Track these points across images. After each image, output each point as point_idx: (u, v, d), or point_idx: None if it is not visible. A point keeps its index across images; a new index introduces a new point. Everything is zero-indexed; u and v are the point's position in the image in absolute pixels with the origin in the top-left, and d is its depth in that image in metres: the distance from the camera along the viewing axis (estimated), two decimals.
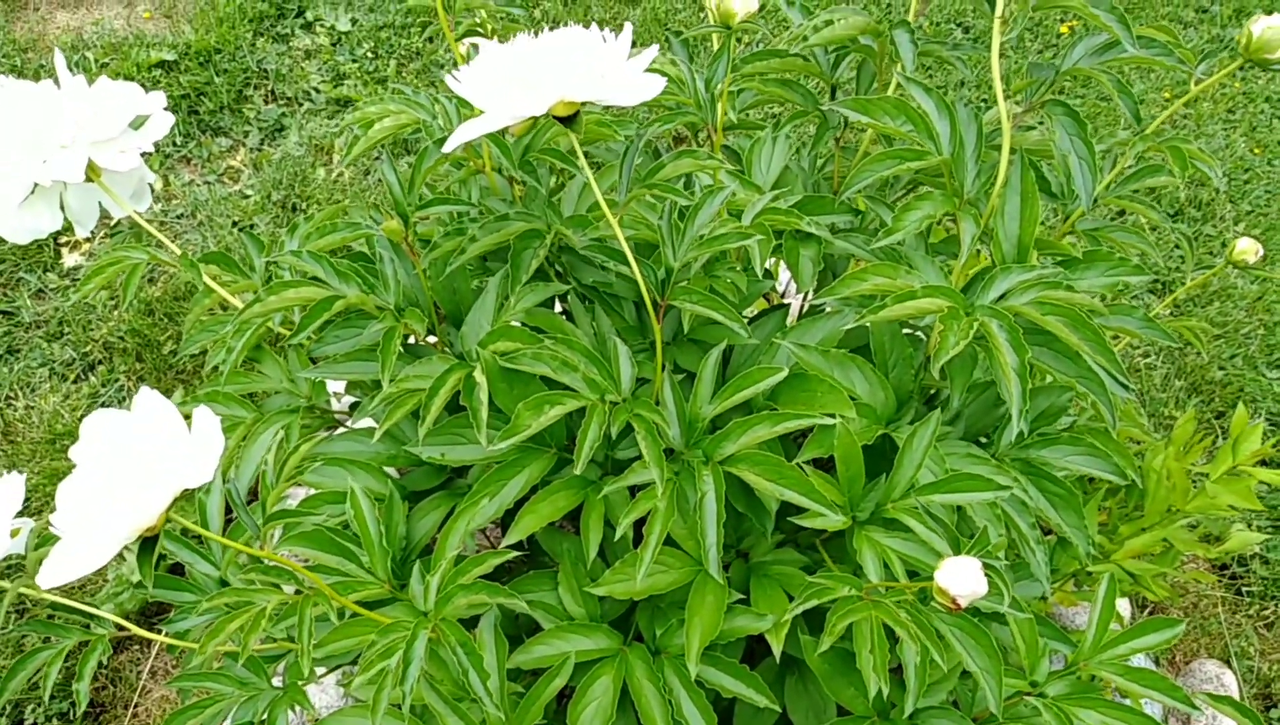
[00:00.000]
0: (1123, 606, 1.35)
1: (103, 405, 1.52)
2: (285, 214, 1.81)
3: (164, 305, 1.63)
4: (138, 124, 0.89)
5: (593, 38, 0.65)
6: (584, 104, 0.67)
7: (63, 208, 0.89)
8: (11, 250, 1.72)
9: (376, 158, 1.92)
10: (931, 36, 0.84)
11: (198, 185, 1.87)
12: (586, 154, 0.98)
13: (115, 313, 1.62)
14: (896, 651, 0.74)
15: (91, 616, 0.80)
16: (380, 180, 1.85)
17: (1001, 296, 0.76)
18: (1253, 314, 1.67)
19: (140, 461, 0.57)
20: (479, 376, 0.75)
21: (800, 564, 0.83)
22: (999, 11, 0.76)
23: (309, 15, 2.16)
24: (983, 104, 1.90)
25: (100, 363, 1.57)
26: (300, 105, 2.01)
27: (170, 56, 2.02)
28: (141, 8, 2.16)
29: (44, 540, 0.75)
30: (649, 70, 0.68)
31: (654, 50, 0.68)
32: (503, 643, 0.74)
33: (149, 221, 1.77)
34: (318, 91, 2.03)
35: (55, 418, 1.48)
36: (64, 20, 2.14)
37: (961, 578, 0.56)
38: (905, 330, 0.93)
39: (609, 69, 0.65)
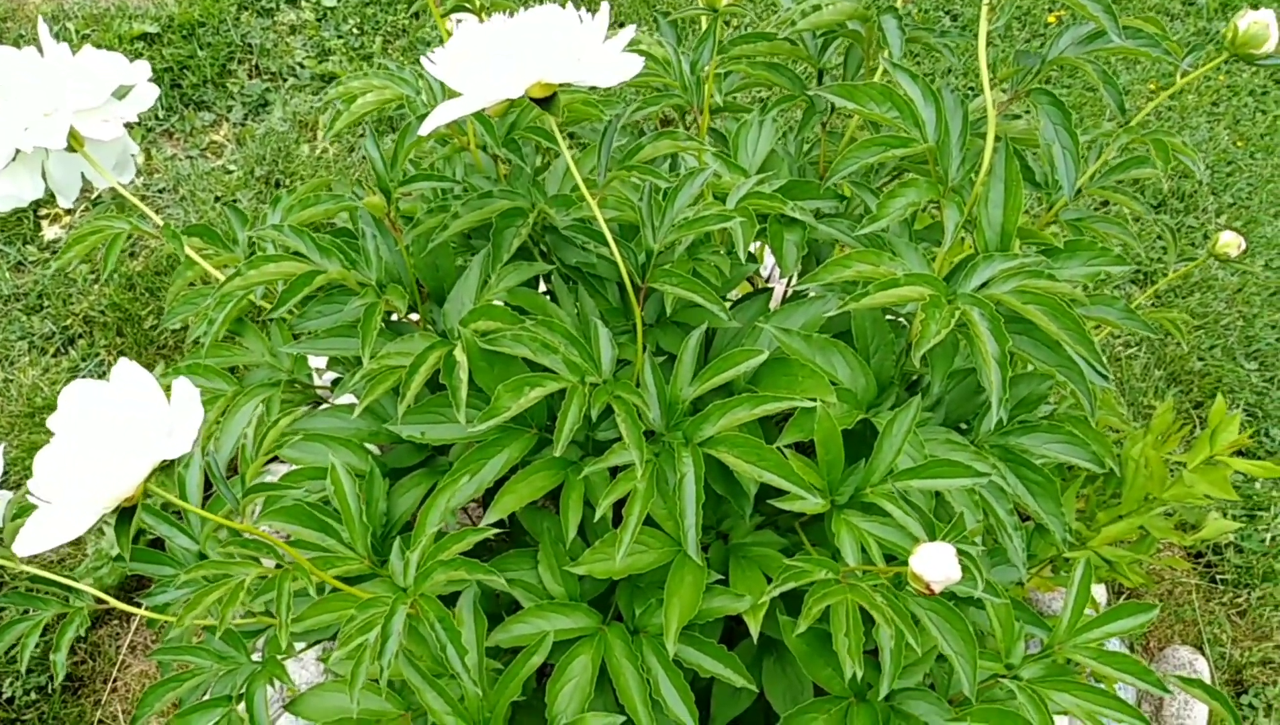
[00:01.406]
0: (1099, 592, 1.36)
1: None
2: (269, 190, 1.79)
3: (145, 279, 1.61)
4: (122, 94, 0.88)
5: (569, 17, 0.64)
6: (562, 85, 0.66)
7: (45, 177, 0.88)
8: None
9: (361, 134, 1.90)
10: (919, 23, 0.84)
11: (180, 159, 1.85)
12: (572, 134, 0.98)
13: (96, 286, 1.61)
14: (873, 634, 0.74)
15: (70, 589, 0.79)
16: (365, 157, 1.83)
17: (983, 285, 0.76)
18: (1232, 306, 1.68)
19: (118, 432, 0.57)
20: (459, 355, 0.75)
21: (779, 546, 0.84)
22: None
23: None
24: (970, 92, 1.90)
25: (80, 336, 1.56)
26: (285, 81, 1.99)
27: (153, 29, 2.00)
28: None
29: (22, 512, 0.75)
30: (630, 50, 0.68)
31: (632, 30, 0.67)
32: (481, 620, 0.74)
33: (131, 194, 1.75)
34: (302, 67, 2.01)
35: (34, 391, 1.47)
36: None
37: (935, 564, 0.57)
38: (888, 316, 0.94)
39: (586, 49, 0.65)
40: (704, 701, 0.89)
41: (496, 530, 0.73)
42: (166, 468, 0.59)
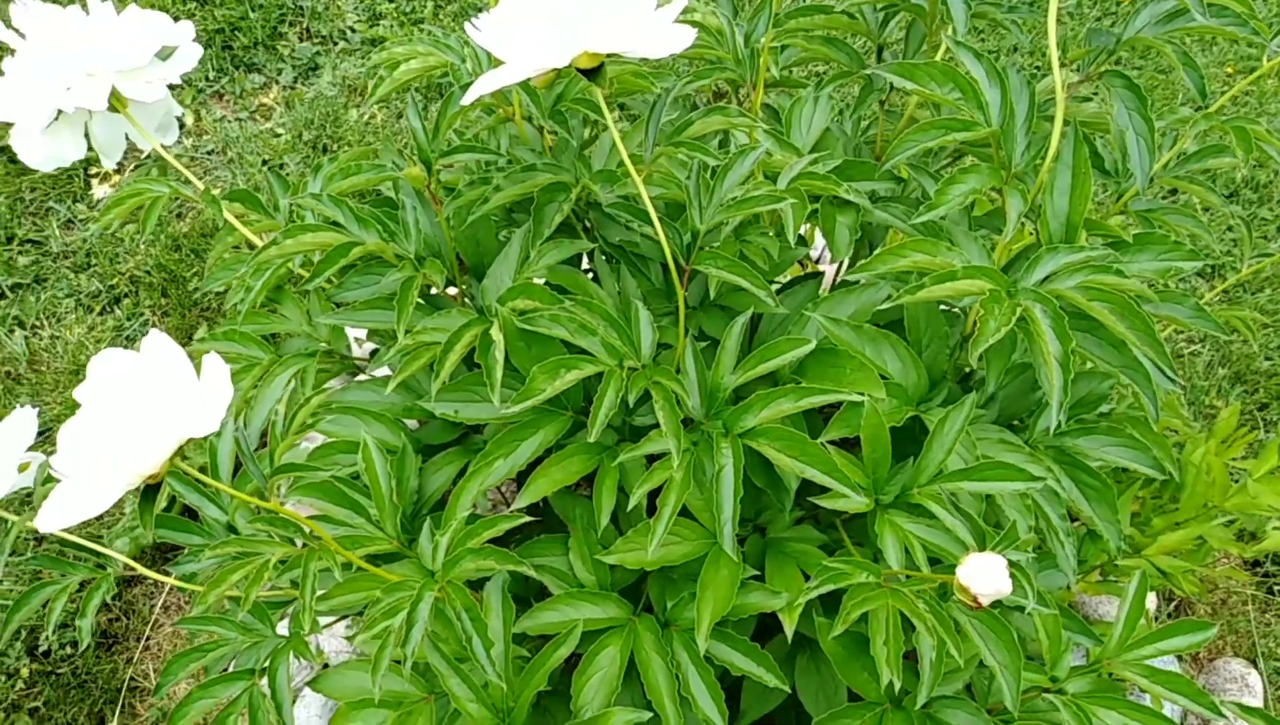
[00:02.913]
0: (1149, 600, 1.32)
1: (127, 339, 1.52)
2: (315, 154, 1.78)
3: (191, 241, 1.62)
4: (165, 55, 0.87)
5: None
6: (610, 56, 0.63)
7: (88, 138, 0.87)
8: (42, 179, 1.71)
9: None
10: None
11: (229, 121, 1.85)
12: (622, 106, 0.95)
13: (142, 247, 1.61)
14: (913, 639, 0.72)
15: (101, 554, 0.79)
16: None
17: (1046, 278, 0.72)
18: None
19: (146, 407, 0.55)
20: (495, 334, 0.73)
21: (819, 543, 0.81)
22: None
23: None
24: (1037, 72, 1.83)
25: (126, 296, 1.57)
26: (335, 44, 1.97)
27: (134, 6, 1.99)
28: None
29: (48, 478, 0.74)
30: (683, 21, 0.65)
31: (683, 1, 0.64)
32: (510, 607, 0.73)
33: (178, 157, 1.75)
34: (353, 31, 2.00)
35: (79, 349, 1.48)
36: None
37: (985, 576, 0.54)
38: (942, 307, 0.90)
39: (635, 19, 0.62)
40: (733, 697, 0.87)
41: (527, 518, 0.71)
42: (195, 441, 0.58)
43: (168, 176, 0.91)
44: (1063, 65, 0.78)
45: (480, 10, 2.05)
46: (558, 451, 0.76)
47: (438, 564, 0.68)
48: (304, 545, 0.66)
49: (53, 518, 0.54)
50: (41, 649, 1.24)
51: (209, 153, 1.81)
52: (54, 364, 1.47)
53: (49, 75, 0.82)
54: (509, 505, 1.08)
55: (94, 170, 1.74)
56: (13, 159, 1.71)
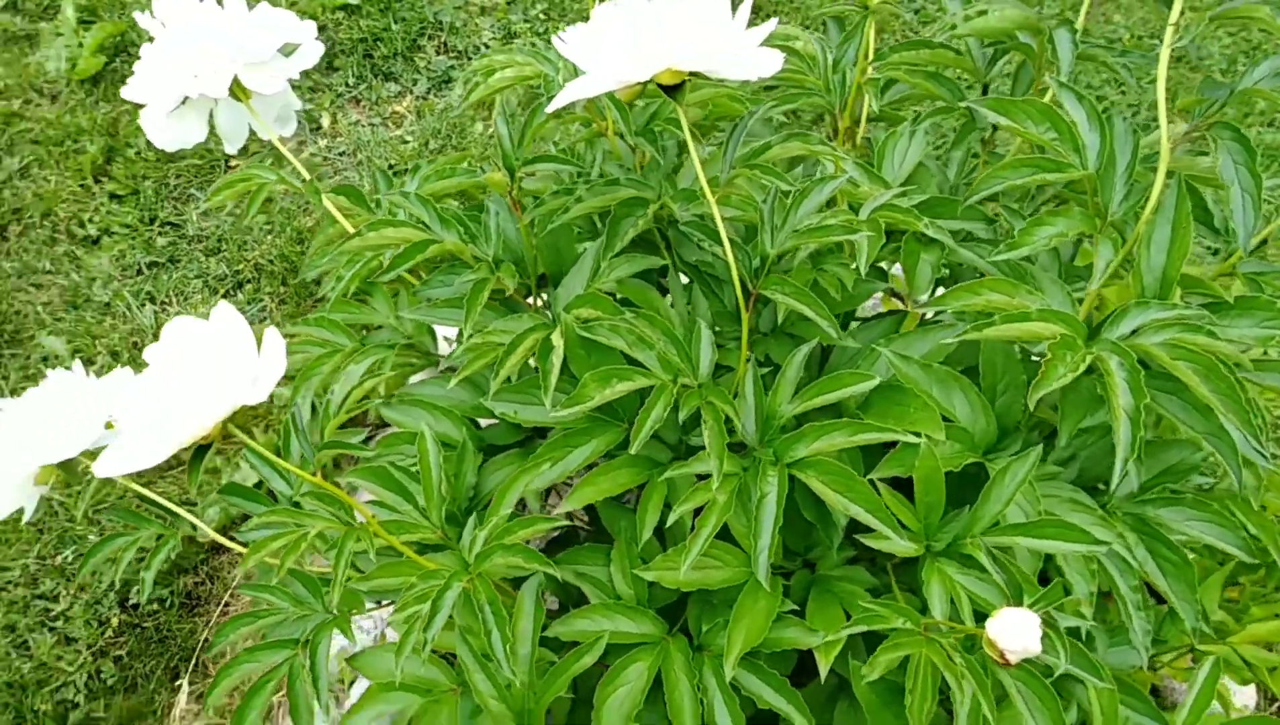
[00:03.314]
0: (1247, 696, 1.22)
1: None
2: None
3: (313, 235, 1.69)
4: (288, 51, 0.92)
5: (710, 5, 0.62)
6: (693, 75, 0.64)
7: (213, 125, 0.93)
8: (187, 167, 1.83)
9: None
10: (1094, 40, 0.76)
11: (363, 126, 1.94)
12: (718, 130, 0.95)
13: (269, 237, 1.70)
14: (950, 694, 0.68)
15: (172, 513, 0.83)
16: (546, 136, 1.87)
17: (1133, 332, 0.69)
18: None
19: (205, 372, 0.58)
20: (555, 339, 0.73)
21: (868, 585, 0.78)
22: (1174, 16, 0.68)
23: None
24: (1151, 124, 1.75)
25: (249, 282, 1.66)
26: (469, 59, 2.05)
27: (354, 0, 2.10)
28: None
29: None
30: (776, 45, 0.65)
31: (774, 23, 0.64)
32: (541, 609, 0.73)
33: (312, 156, 1.84)
34: (487, 47, 2.07)
35: None
36: None
37: (1015, 631, 0.51)
38: (1034, 357, 0.86)
39: (721, 38, 0.62)
40: None
41: (567, 522, 0.71)
42: (252, 412, 0.60)
43: (280, 167, 0.96)
44: (1172, 115, 0.75)
45: None
46: (608, 461, 0.76)
47: (473, 557, 0.69)
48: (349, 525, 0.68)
49: (109, 465, 0.57)
50: (132, 602, 1.31)
51: (340, 154, 1.90)
52: None
53: (179, 62, 0.87)
54: (572, 517, 1.09)
55: (234, 161, 1.85)
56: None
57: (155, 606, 1.30)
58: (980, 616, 0.68)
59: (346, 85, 2.01)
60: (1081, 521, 0.72)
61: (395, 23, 2.08)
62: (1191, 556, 1.21)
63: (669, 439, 0.80)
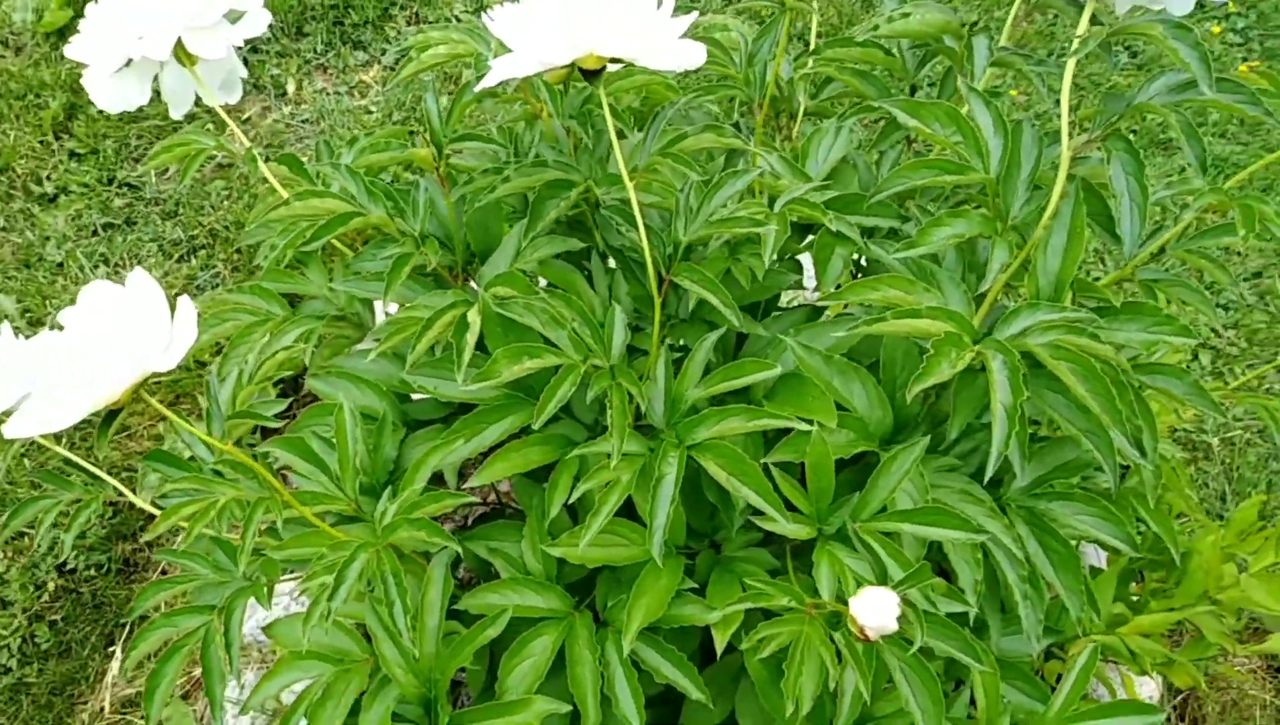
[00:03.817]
0: (1150, 689, 1.27)
1: (197, 287, 1.61)
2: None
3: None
4: (234, 18, 0.92)
5: None
6: (615, 61, 0.66)
7: (157, 89, 0.94)
8: (149, 129, 1.83)
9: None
10: (1017, 47, 0.79)
11: (328, 94, 1.94)
12: (649, 115, 0.97)
13: (225, 203, 1.71)
14: (835, 672, 0.71)
15: (95, 477, 0.85)
16: (488, 115, 1.87)
17: (1021, 333, 0.72)
18: None
19: (117, 338, 0.60)
20: (472, 316, 0.75)
21: (768, 567, 0.81)
22: (1082, 28, 0.71)
23: None
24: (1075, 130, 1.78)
25: (203, 247, 1.66)
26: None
27: None
28: None
29: None
30: (694, 37, 0.67)
31: (695, 14, 0.66)
32: (449, 582, 0.75)
33: (274, 121, 1.84)
34: (459, 20, 2.07)
35: None
36: None
37: (874, 609, 0.54)
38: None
39: (643, 28, 0.64)
40: (676, 712, 0.88)
41: (480, 500, 0.74)
42: (157, 378, 0.62)
43: (217, 132, 0.97)
44: (1075, 126, 0.77)
45: None
46: (522, 439, 0.79)
47: (381, 529, 0.71)
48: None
49: (18, 427, 0.59)
50: (69, 567, 1.32)
51: (304, 121, 1.90)
52: None
53: (124, 24, 0.88)
54: (499, 495, 1.11)
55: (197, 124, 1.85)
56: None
57: (92, 572, 1.32)
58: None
59: (315, 52, 2.00)
60: (972, 512, 0.75)
61: None
62: (1103, 554, 1.25)
63: (585, 418, 0.83)
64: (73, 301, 1.51)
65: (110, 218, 1.70)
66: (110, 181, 1.75)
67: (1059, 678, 1.20)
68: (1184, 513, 1.09)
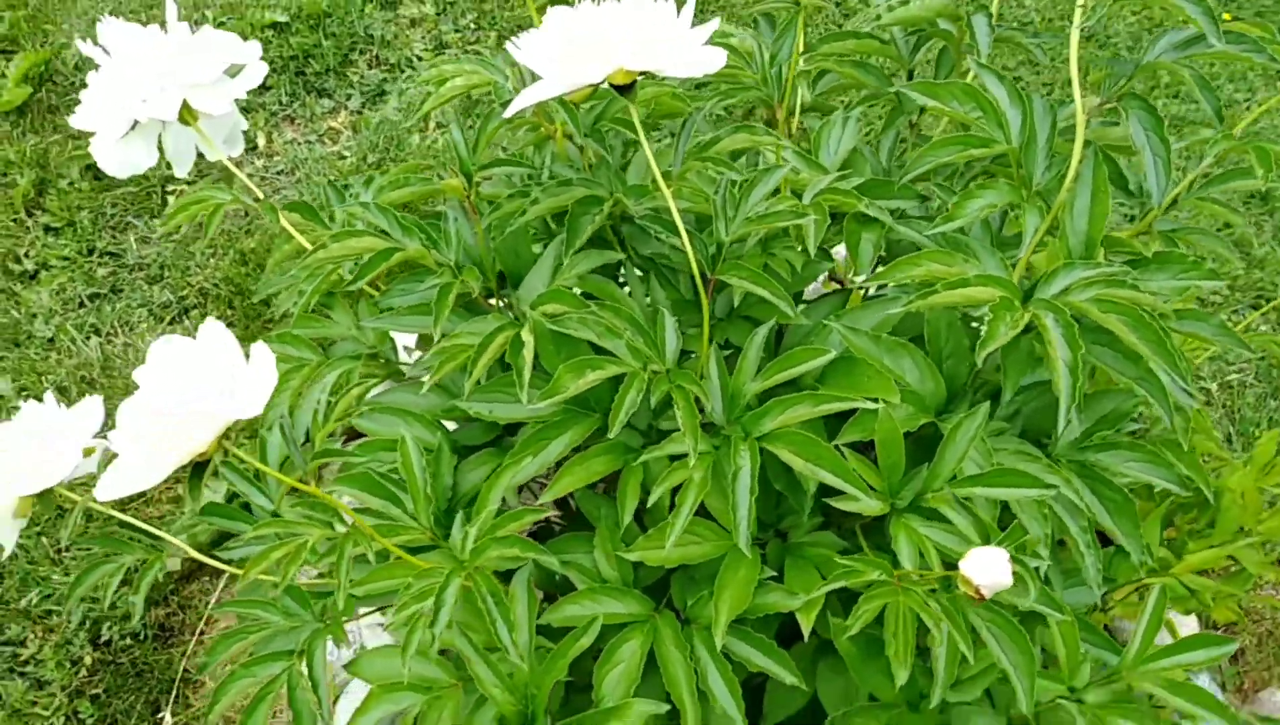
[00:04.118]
0: (1190, 625, 1.30)
1: None
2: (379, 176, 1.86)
3: (257, 256, 1.70)
4: (234, 72, 0.93)
5: (656, 7, 0.65)
6: (642, 74, 0.67)
7: (161, 149, 0.94)
8: (123, 196, 1.81)
9: (471, 125, 1.95)
10: (1008, 23, 0.81)
11: (299, 144, 1.94)
12: (658, 128, 0.99)
13: (212, 261, 1.70)
14: (926, 640, 0.73)
15: (155, 537, 0.84)
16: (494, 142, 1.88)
17: (1063, 292, 0.74)
18: None
19: (197, 389, 0.60)
20: (526, 336, 0.76)
21: (837, 548, 0.83)
22: None
23: None
24: (1068, 100, 1.84)
25: (195, 307, 1.65)
26: (402, 72, 2.06)
27: (283, 18, 2.10)
28: None
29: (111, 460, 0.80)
30: (716, 43, 0.69)
31: (715, 23, 0.68)
32: (533, 598, 0.76)
33: (250, 176, 1.84)
34: (419, 59, 2.08)
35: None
36: None
37: (986, 567, 0.56)
38: (972, 323, 0.91)
39: (669, 40, 0.66)
40: (757, 700, 0.88)
41: (554, 512, 0.74)
42: (244, 427, 0.62)
43: (232, 187, 0.97)
44: (1084, 90, 0.80)
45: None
46: (584, 451, 0.80)
47: (466, 553, 0.71)
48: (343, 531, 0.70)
49: (108, 488, 0.58)
50: (104, 639, 1.30)
51: (279, 172, 1.90)
52: (125, 370, 1.55)
53: (127, 88, 0.88)
54: (547, 514, 1.12)
55: (171, 187, 1.84)
56: (98, 175, 1.82)
57: (128, 641, 1.30)
58: (947, 565, 0.73)
59: (280, 103, 2.00)
60: (1032, 469, 0.77)
61: (326, 39, 2.08)
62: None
63: (639, 425, 0.84)
64: (68, 375, 1.50)
65: (95, 288, 1.68)
66: (90, 252, 1.73)
67: (1104, 629, 1.23)
68: (1208, 454, 1.13)
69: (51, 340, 1.61)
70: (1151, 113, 0.73)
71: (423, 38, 2.13)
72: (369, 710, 0.76)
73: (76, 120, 0.91)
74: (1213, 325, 0.84)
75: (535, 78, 0.89)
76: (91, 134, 0.92)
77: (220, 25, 2.12)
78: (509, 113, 0.67)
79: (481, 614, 0.69)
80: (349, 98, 2.02)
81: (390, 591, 0.75)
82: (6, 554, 0.75)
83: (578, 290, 0.88)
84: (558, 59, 0.65)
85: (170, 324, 1.63)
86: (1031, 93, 0.80)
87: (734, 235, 0.75)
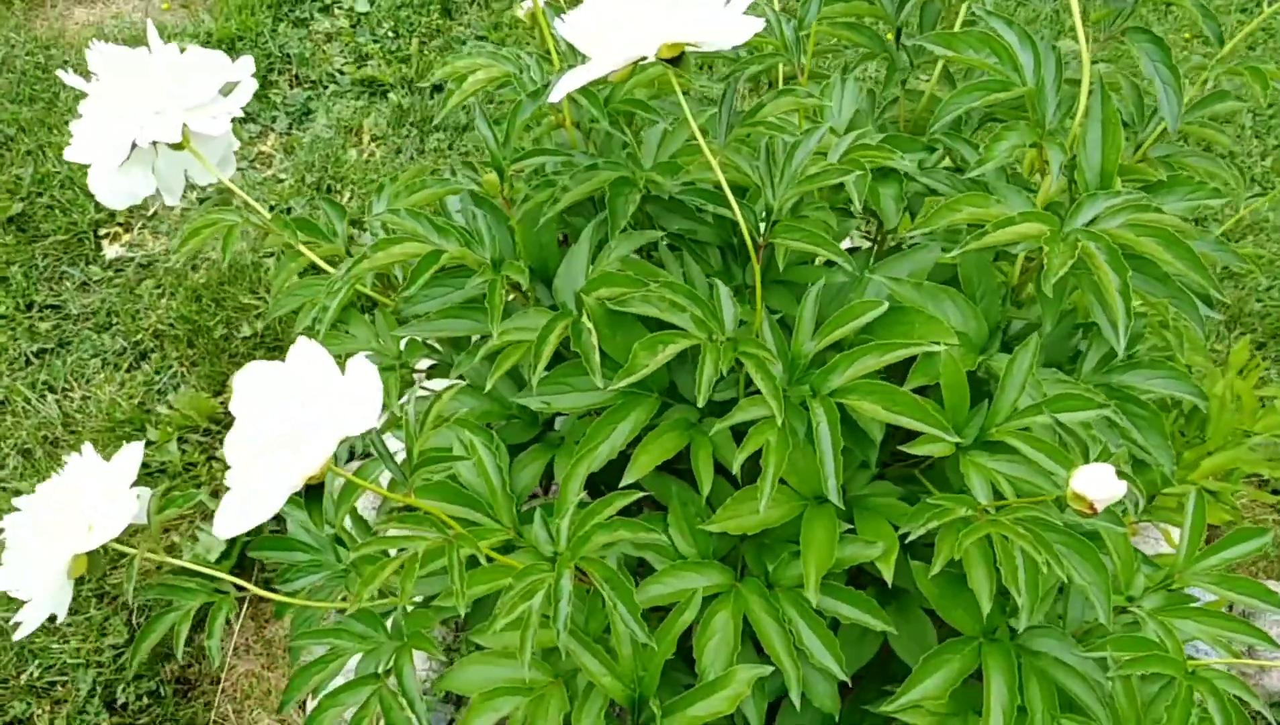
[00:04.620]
0: (1176, 532, 1.37)
1: (158, 392, 1.53)
2: (320, 196, 1.81)
3: (210, 291, 1.64)
4: (227, 90, 0.90)
5: None
6: (689, 45, 0.68)
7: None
8: (54, 245, 1.73)
9: (406, 134, 1.91)
10: None
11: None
12: (657, 108, 0.99)
13: (162, 301, 1.63)
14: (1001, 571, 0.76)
15: (212, 578, 0.81)
16: (413, 157, 1.85)
17: (1092, 221, 0.77)
18: None
19: (303, 410, 0.58)
20: (586, 322, 0.76)
21: (897, 495, 0.85)
22: None
23: None
24: (1057, 36, 1.91)
25: (152, 351, 1.58)
26: (326, 88, 2.01)
27: (193, 46, 2.02)
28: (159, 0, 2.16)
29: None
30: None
31: None
32: (630, 580, 0.76)
33: (185, 209, 1.77)
34: (342, 74, 2.03)
35: (113, 407, 1.49)
36: (82, 16, 2.14)
37: (1099, 482, 0.58)
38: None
39: (714, 9, 0.67)
40: None
41: (640, 493, 0.74)
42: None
43: (233, 207, 0.94)
44: (1084, 27, 0.84)
45: (463, 43, 2.09)
46: (651, 431, 0.80)
47: (560, 546, 0.71)
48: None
49: (228, 525, 0.56)
50: (120, 702, 1.24)
51: (216, 204, 1.83)
52: (89, 424, 1.48)
53: (123, 114, 0.85)
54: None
55: (103, 231, 1.76)
56: (22, 228, 1.73)
57: (146, 701, 1.24)
58: (1017, 496, 0.76)
59: None
60: (1079, 392, 0.80)
61: None
62: None
63: (693, 398, 0.84)
64: (29, 437, 1.43)
65: (40, 343, 1.60)
66: (29, 307, 1.65)
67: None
68: (1193, 366, 1.19)
69: (4, 402, 1.52)
70: (1158, 43, 0.77)
71: (341, 51, 2.08)
72: (475, 718, 0.75)
73: (71, 153, 0.87)
74: (1211, 243, 0.90)
75: (548, 67, 0.89)
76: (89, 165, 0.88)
77: None
78: (555, 97, 0.67)
79: (599, 597, 0.69)
80: (275, 120, 1.96)
81: (486, 595, 0.74)
82: (60, 621, 0.71)
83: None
84: (608, 36, 0.66)
85: (128, 372, 1.56)
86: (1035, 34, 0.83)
87: (784, 199, 0.76)
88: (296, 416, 0.57)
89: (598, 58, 0.66)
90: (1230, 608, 1.20)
